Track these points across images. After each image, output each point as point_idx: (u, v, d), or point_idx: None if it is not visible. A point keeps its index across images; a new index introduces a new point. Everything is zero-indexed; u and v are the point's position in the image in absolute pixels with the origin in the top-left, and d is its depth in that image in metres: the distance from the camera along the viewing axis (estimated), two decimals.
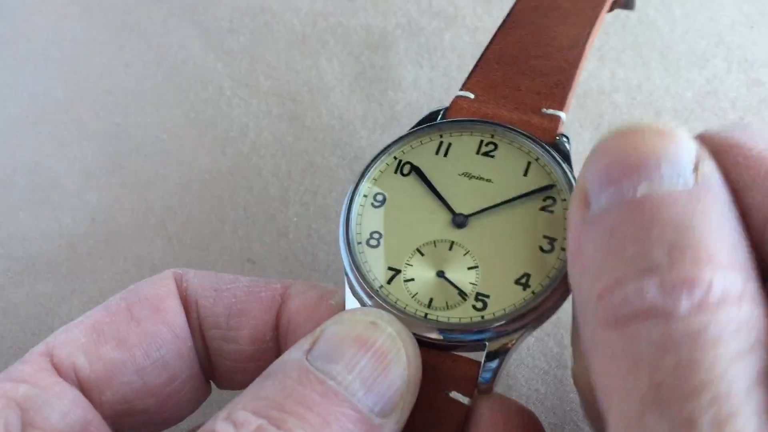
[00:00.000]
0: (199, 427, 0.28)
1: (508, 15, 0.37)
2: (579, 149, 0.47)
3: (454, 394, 0.28)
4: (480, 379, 0.28)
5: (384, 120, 0.48)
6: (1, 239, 0.46)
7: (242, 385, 0.32)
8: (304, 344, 0.26)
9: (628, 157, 0.21)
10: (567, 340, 0.41)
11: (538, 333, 0.42)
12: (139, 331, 0.29)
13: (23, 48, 0.52)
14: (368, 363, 0.25)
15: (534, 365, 0.41)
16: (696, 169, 0.22)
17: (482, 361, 0.28)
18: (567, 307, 0.43)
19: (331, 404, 0.23)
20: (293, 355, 0.25)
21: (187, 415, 0.32)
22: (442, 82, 0.50)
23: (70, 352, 0.28)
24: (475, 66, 0.35)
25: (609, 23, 0.51)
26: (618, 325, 0.20)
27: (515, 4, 0.37)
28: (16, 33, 0.52)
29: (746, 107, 0.48)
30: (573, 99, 0.48)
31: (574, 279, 0.23)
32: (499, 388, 0.41)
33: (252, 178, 0.47)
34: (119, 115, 0.49)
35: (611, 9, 0.39)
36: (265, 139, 0.48)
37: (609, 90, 0.49)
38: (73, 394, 0.27)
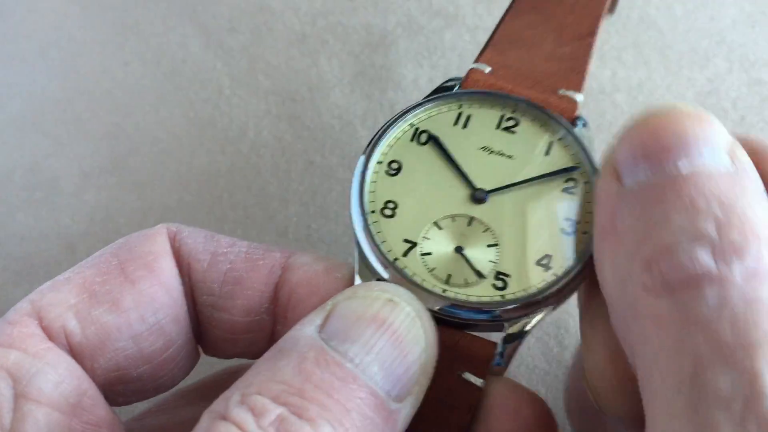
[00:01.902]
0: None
1: (513, 1, 0.36)
2: None
3: (467, 376, 0.27)
4: (495, 361, 0.27)
5: (384, 120, 0.48)
6: None
7: (230, 355, 0.31)
8: (315, 319, 0.24)
9: (667, 135, 0.22)
10: (567, 340, 0.41)
11: (537, 333, 0.42)
12: (134, 293, 0.27)
13: (22, 47, 0.52)
14: (386, 344, 0.23)
15: (534, 365, 0.41)
16: (732, 154, 0.22)
17: (499, 342, 0.27)
18: (566, 307, 0.43)
19: (350, 390, 0.22)
20: (306, 330, 0.24)
21: (179, 382, 0.31)
22: (442, 81, 0.49)
23: (59, 314, 0.26)
24: (488, 43, 0.34)
25: (609, 22, 0.51)
26: (670, 291, 0.20)
27: None
28: (15, 32, 0.52)
29: (747, 107, 0.48)
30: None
31: (604, 252, 0.24)
32: None
33: (251, 178, 0.47)
34: (118, 114, 0.49)
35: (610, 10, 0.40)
36: (265, 138, 0.48)
37: (610, 89, 0.49)
38: (66, 362, 0.25)
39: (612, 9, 0.41)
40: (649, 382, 0.21)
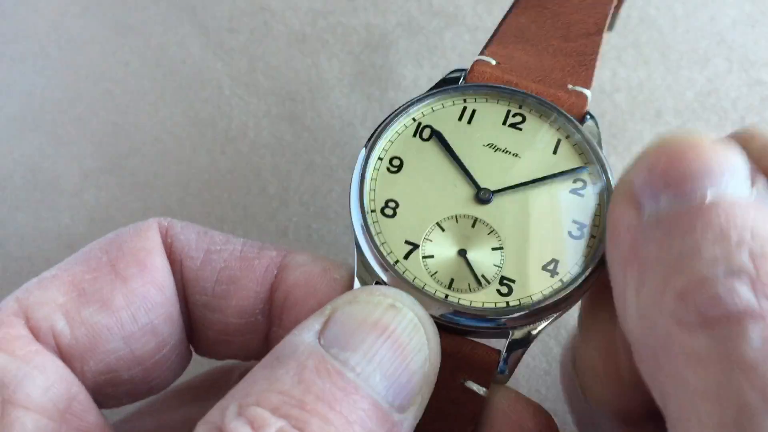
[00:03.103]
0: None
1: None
2: None
3: (470, 384, 0.26)
4: (498, 369, 0.26)
5: None
6: None
7: (222, 356, 0.30)
8: (314, 324, 0.23)
9: (690, 162, 0.21)
10: (567, 340, 0.41)
11: None
12: (126, 291, 0.26)
13: (22, 47, 0.52)
14: (388, 352, 0.22)
15: (534, 365, 0.41)
16: (754, 181, 0.22)
17: (503, 350, 0.27)
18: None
19: (352, 401, 0.21)
20: (305, 336, 0.23)
21: (171, 383, 0.30)
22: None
23: (47, 314, 0.25)
24: (493, 36, 0.33)
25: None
26: (709, 327, 0.19)
27: None
28: (15, 31, 0.52)
29: (747, 107, 0.48)
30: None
31: (627, 283, 0.22)
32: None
33: (251, 178, 0.47)
34: (118, 114, 0.49)
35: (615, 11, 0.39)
36: (265, 138, 0.48)
37: (610, 89, 0.49)
38: (55, 365, 0.24)
39: (611, 26, 0.41)
40: (684, 425, 0.19)
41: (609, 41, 0.50)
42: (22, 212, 0.46)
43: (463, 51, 0.50)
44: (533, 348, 0.41)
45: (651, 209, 0.22)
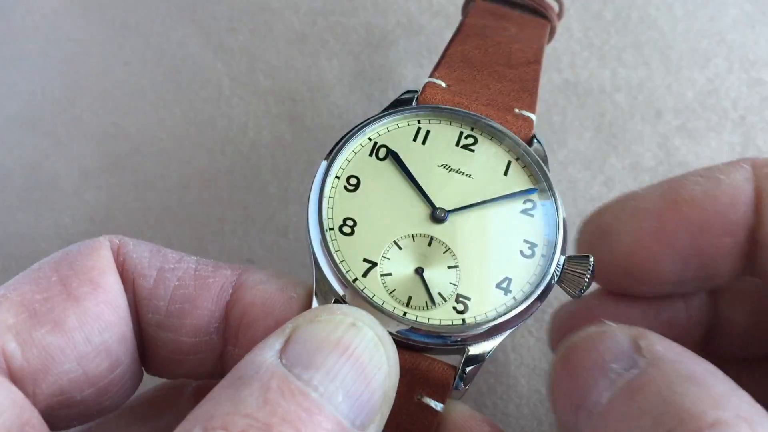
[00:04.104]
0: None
1: (461, 25, 0.37)
2: (580, 148, 0.47)
3: (427, 400, 0.27)
4: (454, 384, 0.27)
5: None
6: None
7: (175, 375, 0.30)
8: (274, 343, 0.23)
9: (576, 375, 0.24)
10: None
11: (538, 333, 0.42)
12: (79, 312, 0.25)
13: (21, 46, 0.52)
14: (350, 371, 0.23)
15: (534, 366, 0.41)
16: (638, 349, 0.24)
17: (459, 366, 0.27)
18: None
19: (316, 422, 0.21)
20: (266, 355, 0.23)
21: (123, 404, 0.29)
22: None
23: None
24: (440, 61, 0.34)
25: (609, 22, 0.51)
26: None
27: (465, 19, 0.38)
28: (15, 31, 0.52)
29: (747, 107, 0.48)
30: (561, 95, 0.48)
31: None
32: (499, 388, 0.41)
33: (251, 178, 0.47)
34: (118, 114, 0.49)
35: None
36: (265, 138, 0.48)
37: (610, 89, 0.49)
38: (6, 389, 0.24)
39: (549, 39, 0.42)
40: None
41: (609, 41, 0.50)
42: (21, 212, 0.46)
43: None
44: (533, 348, 0.41)
45: (584, 412, 0.24)
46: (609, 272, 0.32)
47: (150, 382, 0.33)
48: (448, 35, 0.51)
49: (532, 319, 0.42)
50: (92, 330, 0.26)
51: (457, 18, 0.51)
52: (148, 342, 0.28)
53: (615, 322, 0.26)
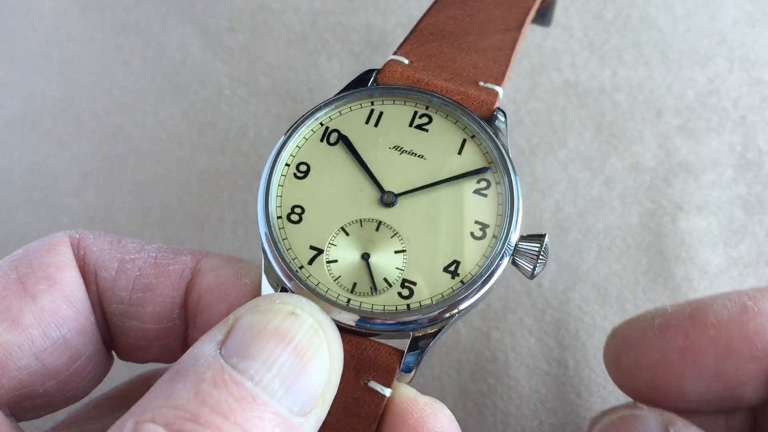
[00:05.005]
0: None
1: None
2: (580, 148, 0.47)
3: (373, 384, 0.26)
4: (402, 368, 0.27)
5: None
6: None
7: (144, 360, 0.31)
8: (217, 335, 0.23)
9: None
10: (567, 340, 0.41)
11: (538, 333, 0.41)
12: (36, 309, 0.26)
13: (21, 47, 0.52)
14: (288, 359, 0.23)
15: (535, 366, 0.41)
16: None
17: (405, 351, 0.27)
18: (566, 307, 0.43)
19: (249, 410, 0.21)
20: (206, 348, 0.23)
21: (91, 391, 0.30)
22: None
23: None
24: (409, 34, 0.33)
25: (610, 22, 0.51)
26: None
27: None
28: (14, 31, 0.52)
29: (748, 106, 0.48)
30: (561, 95, 0.48)
31: None
32: (499, 388, 0.41)
33: (251, 178, 0.47)
34: (118, 114, 0.49)
35: (540, 7, 0.39)
36: (265, 138, 0.48)
37: (610, 89, 0.49)
38: None
39: (548, 21, 0.41)
40: None
41: (609, 41, 0.50)
42: (21, 212, 0.46)
43: None
44: (533, 348, 0.41)
45: None
46: (634, 385, 0.32)
47: (125, 368, 0.33)
48: None
49: (532, 320, 0.42)
50: (49, 325, 0.26)
51: None
52: (114, 331, 0.29)
53: None
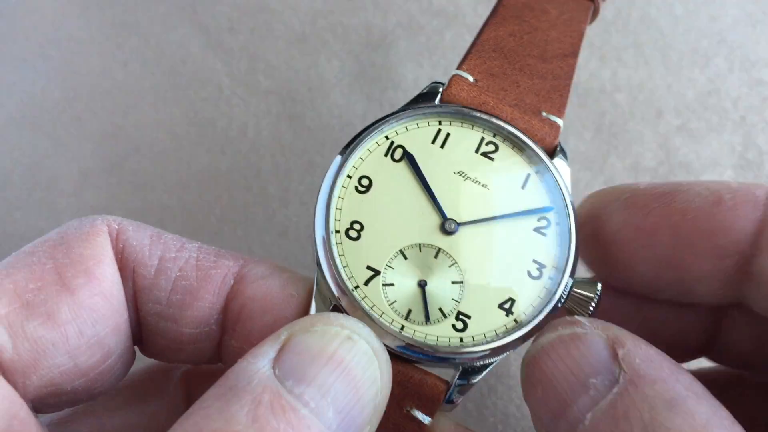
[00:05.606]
0: None
1: (497, 6, 0.35)
2: (580, 148, 0.47)
3: (415, 412, 0.26)
4: (445, 399, 0.27)
5: None
6: None
7: (171, 361, 0.30)
8: (269, 351, 0.23)
9: (552, 384, 0.24)
10: None
11: None
12: (73, 304, 0.25)
13: (21, 46, 0.52)
14: (342, 386, 0.22)
15: None
16: (616, 358, 0.23)
17: (452, 383, 0.27)
18: None
19: None
20: (259, 364, 0.22)
21: (113, 389, 0.29)
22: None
23: None
24: (471, 48, 0.33)
25: (610, 22, 0.51)
26: None
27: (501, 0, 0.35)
28: (14, 31, 0.52)
29: (748, 106, 0.48)
30: (574, 98, 0.48)
31: None
32: (500, 388, 0.41)
33: (251, 178, 0.47)
34: (118, 114, 0.49)
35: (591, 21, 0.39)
36: (265, 138, 0.48)
37: (610, 89, 0.48)
38: None
39: (592, 19, 0.41)
40: None
41: (609, 41, 0.50)
42: (20, 212, 0.46)
43: (462, 51, 0.50)
44: None
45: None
46: (588, 256, 0.31)
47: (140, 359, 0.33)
48: (449, 35, 0.51)
49: None
50: (85, 322, 0.25)
51: (457, 17, 0.51)
52: (147, 330, 0.28)
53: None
